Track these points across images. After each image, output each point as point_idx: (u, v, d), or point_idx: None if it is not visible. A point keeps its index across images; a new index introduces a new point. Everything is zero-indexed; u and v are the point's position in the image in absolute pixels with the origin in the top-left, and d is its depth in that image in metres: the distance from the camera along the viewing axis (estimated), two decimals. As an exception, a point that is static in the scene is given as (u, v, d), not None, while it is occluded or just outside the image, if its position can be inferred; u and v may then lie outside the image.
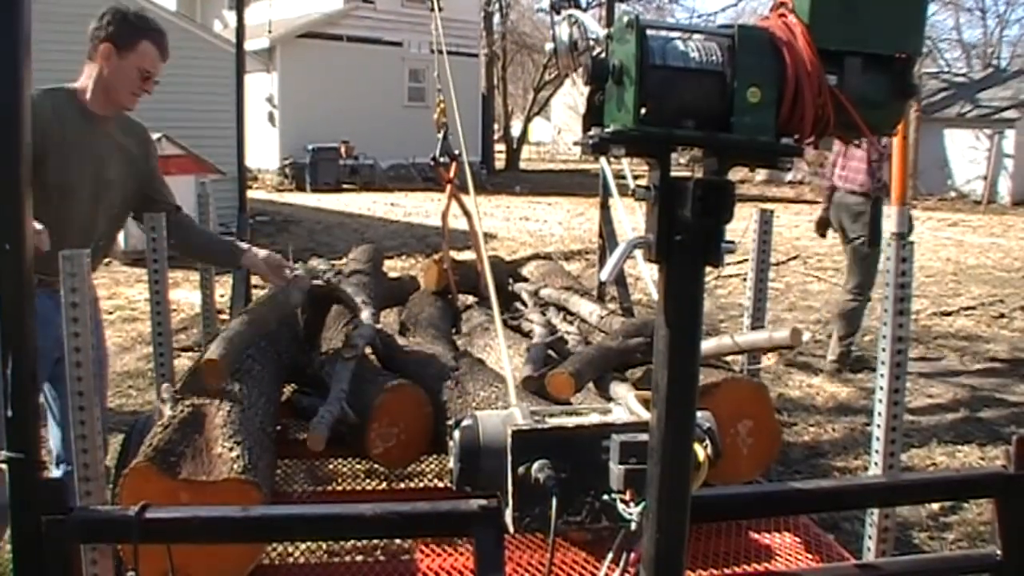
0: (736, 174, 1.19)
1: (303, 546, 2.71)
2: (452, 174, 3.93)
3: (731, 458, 2.44)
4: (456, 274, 4.17)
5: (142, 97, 2.96)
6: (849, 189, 6.16)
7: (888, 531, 2.37)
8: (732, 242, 1.16)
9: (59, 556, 1.49)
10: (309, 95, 21.16)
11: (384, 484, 3.22)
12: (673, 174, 1.16)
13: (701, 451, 1.39)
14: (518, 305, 4.04)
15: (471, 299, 4.16)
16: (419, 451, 2.79)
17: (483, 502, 1.56)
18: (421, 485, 3.24)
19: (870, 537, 2.42)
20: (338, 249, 9.26)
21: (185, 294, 8.05)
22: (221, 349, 2.57)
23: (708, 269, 1.18)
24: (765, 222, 3.15)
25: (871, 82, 1.17)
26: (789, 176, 23.85)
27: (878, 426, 2.40)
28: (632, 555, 1.47)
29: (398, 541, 2.61)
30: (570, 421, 1.49)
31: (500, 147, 30.84)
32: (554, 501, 1.39)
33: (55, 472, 2.91)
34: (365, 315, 3.25)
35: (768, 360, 6.05)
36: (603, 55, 1.15)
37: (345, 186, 20.43)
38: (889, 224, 2.51)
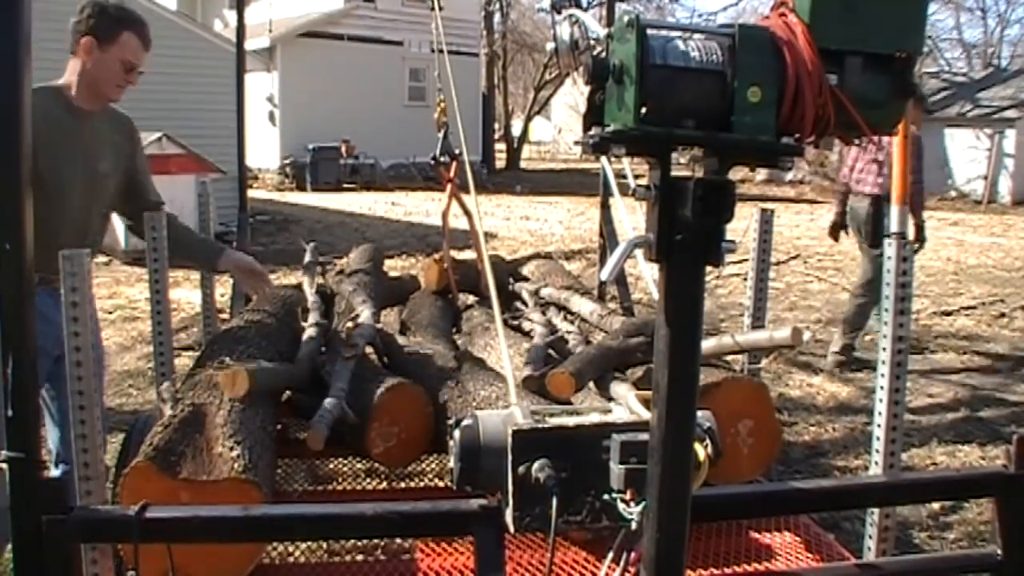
0: (736, 173, 1.19)
1: (303, 546, 2.71)
2: (453, 173, 3.93)
3: (731, 458, 2.43)
4: (456, 273, 4.17)
5: (127, 88, 2.93)
6: (869, 192, 6.20)
7: (888, 531, 2.37)
8: (732, 241, 1.16)
9: (59, 556, 1.49)
10: (310, 94, 21.15)
11: (384, 484, 3.22)
12: (674, 174, 1.16)
13: (701, 451, 1.39)
14: (518, 304, 4.04)
15: (471, 298, 4.16)
16: (419, 450, 2.79)
17: (483, 502, 1.56)
18: (421, 485, 3.24)
19: (870, 537, 2.42)
20: (339, 248, 9.26)
21: (185, 293, 8.05)
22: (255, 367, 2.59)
23: (708, 268, 1.18)
24: (766, 221, 3.15)
25: (871, 81, 1.17)
26: (790, 176, 23.84)
27: (878, 425, 2.40)
28: (632, 555, 1.47)
29: (398, 540, 2.61)
30: (570, 421, 1.49)
31: (501, 146, 30.84)
32: (554, 501, 1.39)
33: (54, 472, 2.90)
34: (365, 314, 3.25)
35: (767, 362, 6.05)
36: (604, 54, 1.15)
37: (346, 185, 20.43)
38: (889, 223, 2.50)
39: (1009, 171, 22.08)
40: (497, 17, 28.81)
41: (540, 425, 1.46)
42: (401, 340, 3.48)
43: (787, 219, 15.50)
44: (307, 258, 4.32)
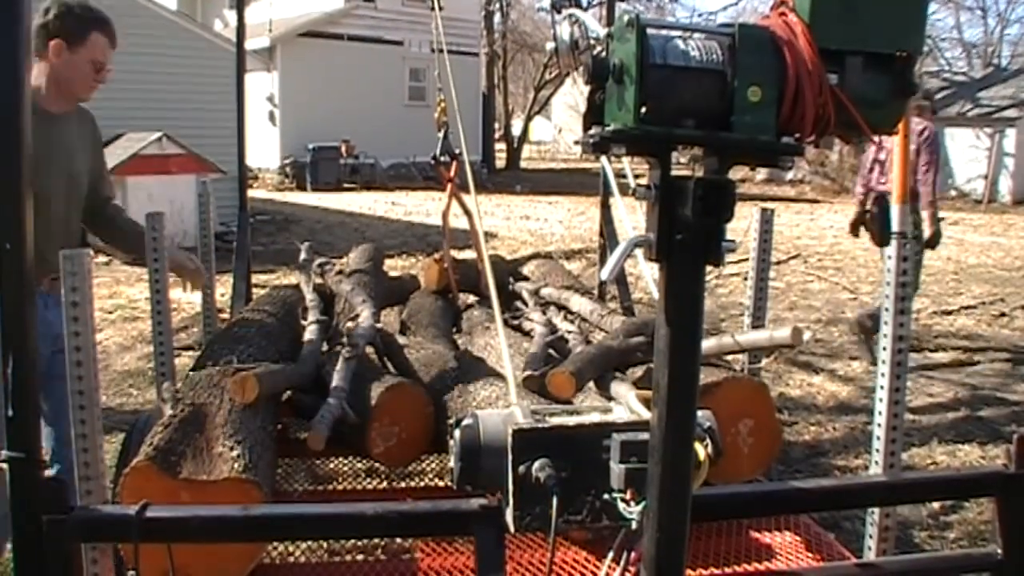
0: (737, 173, 1.19)
1: (303, 545, 2.71)
2: (453, 173, 3.93)
3: (732, 457, 2.43)
4: (457, 273, 4.17)
5: (99, 87, 2.92)
6: (890, 190, 6.11)
7: (889, 530, 2.37)
8: (733, 241, 1.16)
9: (60, 555, 1.49)
10: (310, 94, 21.15)
11: (385, 483, 3.22)
12: (674, 173, 1.16)
13: (702, 450, 1.38)
14: (519, 304, 4.04)
15: (472, 298, 4.16)
16: (420, 450, 2.79)
17: (484, 501, 1.56)
18: (422, 484, 3.24)
19: (871, 536, 2.42)
20: (339, 248, 9.26)
21: (185, 293, 8.04)
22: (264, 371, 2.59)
23: (709, 268, 1.18)
24: (766, 221, 3.15)
25: (872, 81, 1.17)
26: (790, 175, 23.85)
27: (879, 425, 2.40)
28: (633, 554, 1.47)
29: (399, 540, 2.61)
30: (571, 420, 1.49)
31: (501, 146, 30.84)
32: (555, 500, 1.39)
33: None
34: (365, 314, 3.25)
35: (767, 361, 6.05)
36: (604, 54, 1.15)
37: (346, 185, 20.43)
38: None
39: (1009, 170, 22.08)
40: (497, 17, 28.81)
41: (540, 425, 1.46)
42: (401, 340, 3.48)
43: (787, 219, 15.50)
44: (302, 257, 4.32)
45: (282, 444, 2.84)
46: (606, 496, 1.40)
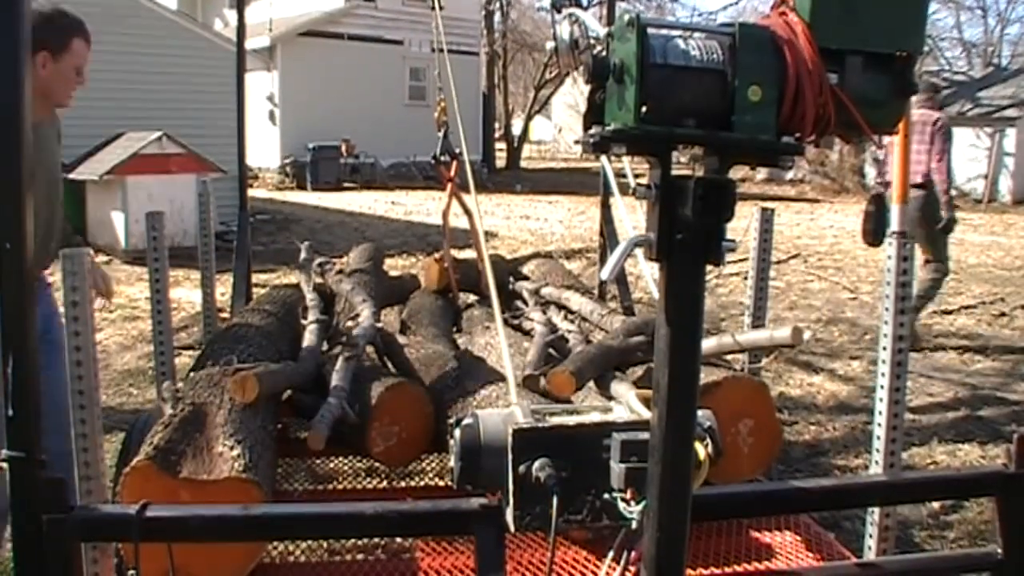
0: (737, 172, 1.19)
1: (303, 545, 2.71)
2: (453, 173, 3.93)
3: (732, 457, 2.44)
4: (457, 273, 4.17)
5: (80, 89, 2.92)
6: (912, 182, 6.25)
7: (889, 530, 2.37)
8: (733, 241, 1.16)
9: (60, 555, 1.49)
10: (310, 94, 21.14)
11: (385, 483, 3.22)
12: (674, 173, 1.16)
13: (702, 450, 1.38)
14: (519, 304, 4.04)
15: (472, 297, 4.16)
16: (420, 450, 2.79)
17: (484, 501, 1.56)
18: (422, 484, 3.24)
19: (871, 536, 2.42)
20: (339, 248, 9.26)
21: (186, 292, 8.05)
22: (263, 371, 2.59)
23: (709, 268, 1.18)
24: (766, 221, 3.15)
25: (872, 81, 1.17)
26: (790, 175, 23.84)
27: (879, 425, 2.41)
28: (633, 554, 1.47)
29: (399, 540, 2.61)
30: (571, 420, 1.49)
31: (501, 146, 30.82)
32: (555, 500, 1.39)
33: None
34: (365, 314, 3.25)
35: (767, 361, 6.05)
36: (604, 54, 1.15)
37: (346, 185, 20.42)
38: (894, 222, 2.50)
39: (1009, 170, 22.06)
40: (497, 16, 28.79)
41: (540, 424, 1.46)
42: (401, 339, 3.49)
43: (787, 218, 15.49)
44: (302, 256, 4.32)
45: (282, 444, 2.84)
46: (606, 496, 1.40)
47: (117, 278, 9.01)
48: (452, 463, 1.51)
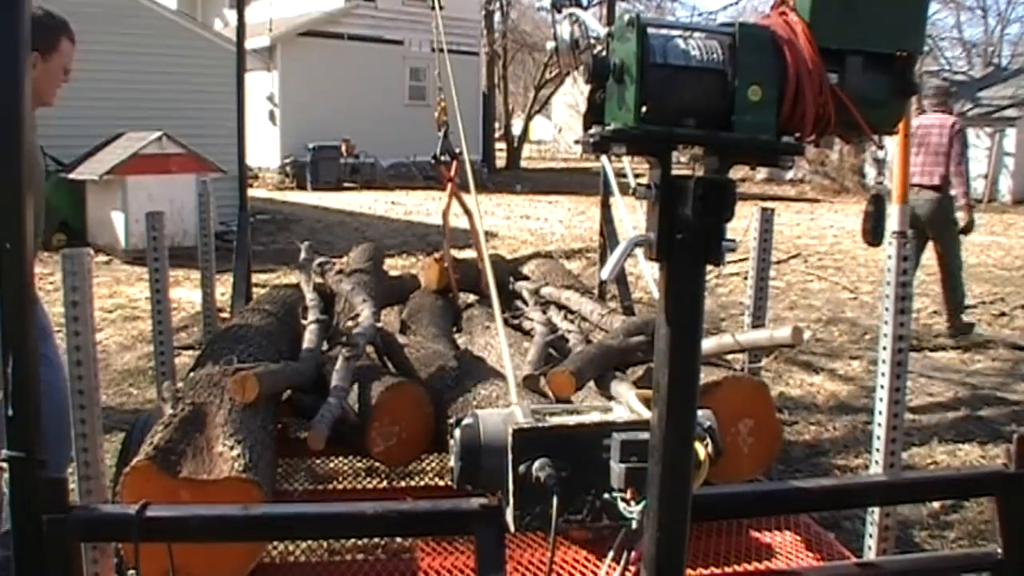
0: (737, 172, 1.19)
1: (303, 545, 2.71)
2: (453, 172, 3.93)
3: (732, 457, 2.44)
4: (457, 272, 4.17)
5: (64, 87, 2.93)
6: (929, 184, 6.67)
7: (889, 530, 2.37)
8: (733, 240, 1.16)
9: (60, 555, 1.49)
10: (310, 94, 21.14)
11: (385, 483, 3.22)
12: (674, 172, 1.16)
13: (702, 450, 1.38)
14: (519, 303, 4.04)
15: (472, 297, 4.16)
16: (420, 449, 2.79)
17: (484, 501, 1.56)
18: (422, 484, 3.24)
19: (871, 536, 2.42)
20: (339, 248, 9.26)
21: (186, 292, 8.05)
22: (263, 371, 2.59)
23: (709, 267, 1.18)
24: (766, 220, 3.15)
25: (872, 81, 1.17)
26: (790, 174, 23.83)
27: (879, 424, 2.41)
28: (633, 553, 1.47)
29: (399, 540, 2.61)
30: (571, 420, 1.49)
31: (501, 146, 30.82)
32: (555, 500, 1.39)
33: None
34: (365, 314, 3.25)
35: (767, 361, 6.05)
36: (604, 53, 1.15)
37: (346, 185, 20.42)
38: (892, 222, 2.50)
39: (1009, 170, 22.06)
40: (497, 16, 28.79)
41: (540, 424, 1.46)
42: (401, 339, 3.49)
43: (787, 218, 15.49)
44: (302, 256, 4.32)
45: (282, 444, 2.84)
46: (606, 495, 1.40)
47: (117, 278, 9.02)
48: (452, 463, 1.51)
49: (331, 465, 3.26)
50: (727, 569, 2.34)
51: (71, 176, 10.39)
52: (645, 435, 1.31)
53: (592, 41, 1.19)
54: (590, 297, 3.91)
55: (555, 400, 2.59)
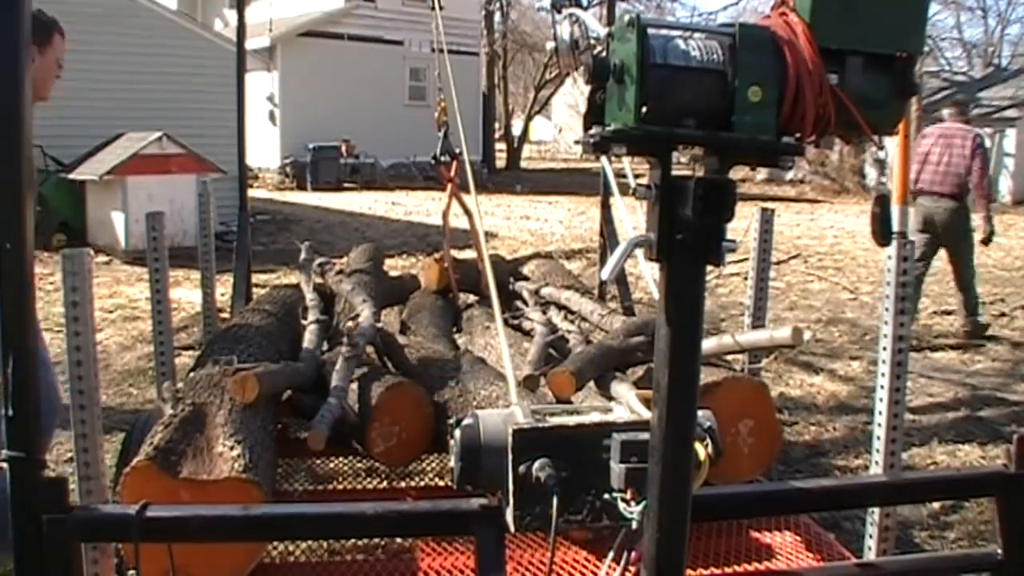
0: (737, 173, 1.19)
1: (303, 545, 2.71)
2: (453, 173, 3.93)
3: (732, 457, 2.44)
4: (457, 273, 4.17)
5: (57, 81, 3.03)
6: (948, 192, 6.81)
7: (889, 530, 2.37)
8: (733, 241, 1.16)
9: (60, 555, 1.49)
10: (310, 94, 21.14)
11: (385, 483, 3.22)
12: (674, 173, 1.16)
13: (702, 450, 1.38)
14: (519, 304, 4.04)
15: (472, 298, 4.16)
16: (420, 450, 2.79)
17: (484, 501, 1.56)
18: (422, 484, 3.24)
19: (871, 536, 2.42)
20: (339, 248, 9.26)
21: (186, 293, 8.05)
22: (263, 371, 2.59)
23: (709, 268, 1.18)
24: (766, 221, 3.15)
25: (872, 81, 1.17)
26: (790, 175, 23.83)
27: (879, 425, 2.41)
28: (633, 554, 1.47)
29: (399, 540, 2.61)
30: (571, 420, 1.49)
31: (501, 146, 30.82)
32: (555, 500, 1.39)
33: None
34: (365, 314, 3.25)
35: (767, 361, 6.05)
36: (604, 54, 1.15)
37: (346, 185, 20.42)
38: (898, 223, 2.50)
39: (1009, 171, 22.06)
40: (497, 16, 28.79)
41: (541, 424, 1.46)
42: (401, 339, 3.48)
43: (787, 218, 15.48)
44: (302, 256, 4.32)
45: (282, 444, 2.84)
46: (606, 496, 1.40)
47: (117, 278, 9.02)
48: (452, 463, 1.51)
49: (331, 465, 3.26)
50: (727, 569, 2.34)
51: (71, 176, 10.39)
52: (645, 435, 1.31)
53: (592, 41, 1.19)
54: (590, 297, 3.91)
55: (555, 400, 2.59)
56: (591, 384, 2.73)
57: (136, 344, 6.45)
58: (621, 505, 1.34)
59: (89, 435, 2.05)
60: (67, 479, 1.59)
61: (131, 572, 1.66)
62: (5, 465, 1.44)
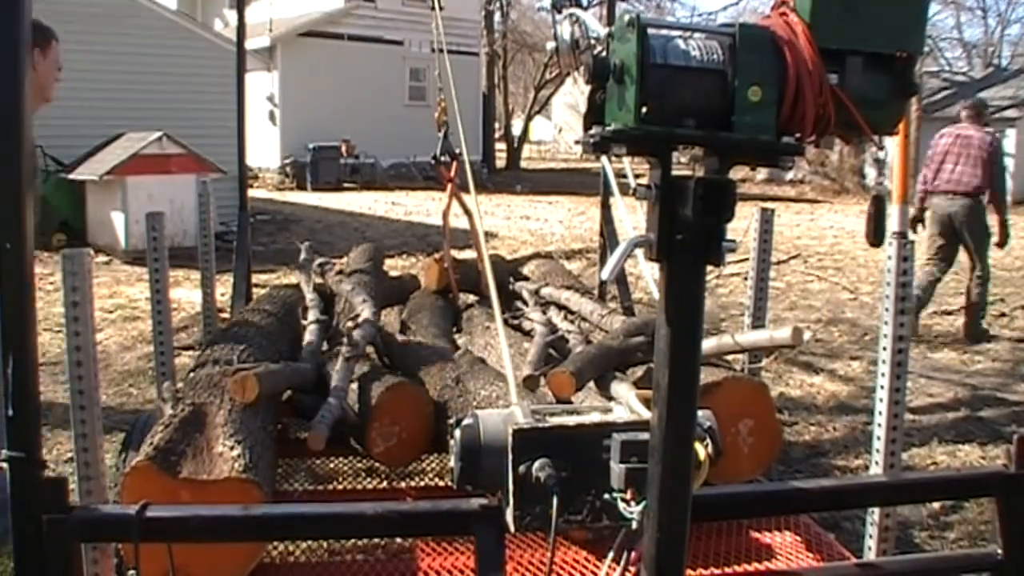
0: (737, 173, 1.19)
1: (303, 545, 2.71)
2: (453, 173, 3.93)
3: (732, 457, 2.44)
4: (457, 273, 4.17)
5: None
6: (963, 191, 6.91)
7: (889, 530, 2.37)
8: (733, 241, 1.16)
9: (60, 555, 1.49)
10: (310, 94, 21.14)
11: (385, 483, 3.22)
12: (674, 173, 1.16)
13: (702, 450, 1.38)
14: (519, 304, 4.04)
15: (472, 298, 4.16)
16: (420, 450, 2.79)
17: (484, 501, 1.56)
18: (422, 484, 3.24)
19: (871, 536, 2.42)
20: (339, 248, 9.25)
21: (186, 293, 8.05)
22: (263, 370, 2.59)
23: (709, 268, 1.18)
24: (766, 221, 3.15)
25: (872, 81, 1.17)
26: (790, 175, 23.83)
27: (879, 425, 2.41)
28: (633, 554, 1.47)
29: (399, 540, 2.61)
30: (571, 420, 1.49)
31: (501, 146, 30.82)
32: (555, 500, 1.39)
33: None
34: (366, 314, 3.25)
35: (767, 361, 6.05)
36: (604, 54, 1.15)
37: (346, 185, 20.42)
38: (893, 223, 2.50)
39: (1009, 171, 22.02)
40: (497, 16, 28.78)
41: (541, 424, 1.46)
42: (402, 340, 3.49)
43: (787, 219, 15.48)
44: (302, 256, 4.32)
45: (282, 444, 2.84)
46: (606, 496, 1.40)
47: (117, 278, 9.02)
48: (452, 463, 1.51)
49: (331, 465, 3.26)
50: (727, 570, 2.34)
51: (71, 176, 10.39)
52: (645, 435, 1.31)
53: (592, 41, 1.19)
54: (590, 297, 3.91)
55: (555, 400, 2.59)
56: (591, 384, 2.73)
57: (136, 344, 6.45)
58: (621, 505, 1.34)
59: (89, 435, 2.05)
60: (67, 479, 1.59)
61: (131, 572, 1.66)
62: (5, 465, 1.44)
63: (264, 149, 20.38)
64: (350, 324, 3.20)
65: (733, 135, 1.12)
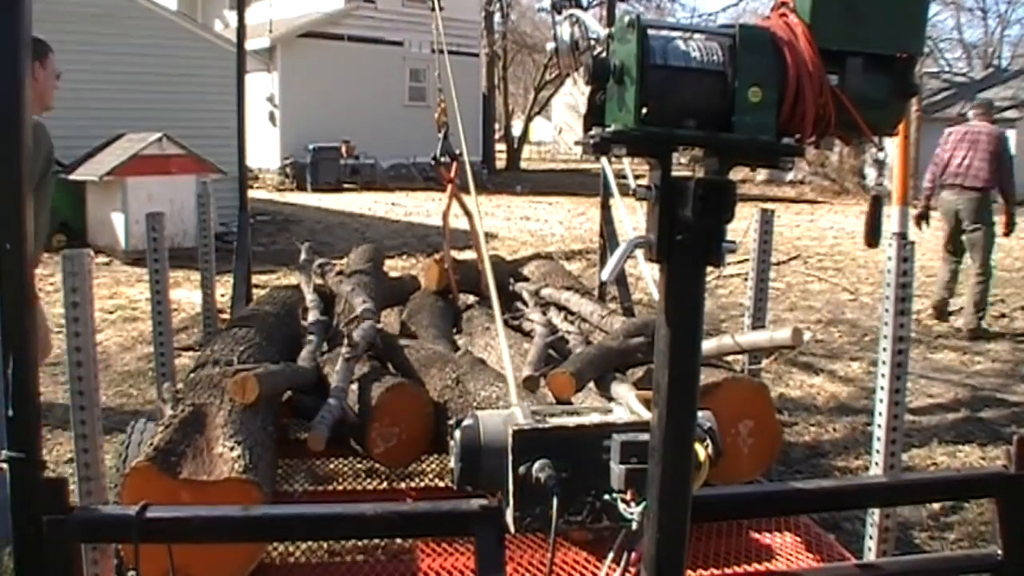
0: (737, 174, 1.19)
1: (304, 546, 2.71)
2: (453, 174, 3.93)
3: (732, 458, 2.44)
4: (457, 274, 4.17)
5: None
6: (970, 185, 7.16)
7: (889, 531, 2.37)
8: (733, 242, 1.16)
9: (60, 556, 1.49)
10: (310, 95, 21.15)
11: (385, 484, 3.22)
12: (674, 174, 1.16)
13: (702, 451, 1.38)
14: (519, 305, 4.04)
15: (472, 299, 4.16)
16: (420, 450, 2.79)
17: (484, 502, 1.56)
18: (422, 485, 3.24)
19: (871, 537, 2.42)
20: (339, 249, 9.25)
21: (186, 293, 8.05)
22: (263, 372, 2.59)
23: (709, 269, 1.18)
24: (766, 222, 3.16)
25: (872, 82, 1.17)
26: (790, 176, 23.83)
27: (879, 426, 2.41)
28: (633, 555, 1.47)
29: (399, 541, 2.61)
30: (571, 421, 1.49)
31: (501, 147, 30.82)
32: (555, 501, 1.39)
33: None
34: (366, 315, 3.25)
35: (767, 362, 6.05)
36: (604, 55, 1.15)
37: (346, 186, 20.42)
38: (893, 224, 2.50)
39: (1010, 171, 22.03)
40: (497, 17, 28.79)
41: (541, 425, 1.46)
42: (401, 340, 3.49)
43: (787, 219, 15.48)
44: (303, 257, 4.32)
45: (282, 444, 2.84)
46: (606, 496, 1.40)
47: (117, 279, 9.02)
48: (452, 464, 1.51)
49: (331, 466, 3.26)
50: (727, 570, 2.34)
51: (71, 177, 10.38)
52: (645, 436, 1.31)
53: (592, 42, 1.19)
54: (590, 298, 3.91)
55: (555, 401, 2.59)
56: (591, 385, 2.73)
57: (136, 345, 6.45)
58: (621, 506, 1.34)
59: (89, 436, 2.05)
60: (67, 479, 1.59)
61: (131, 573, 1.66)
62: (5, 466, 1.44)
63: (264, 150, 20.38)
64: (350, 324, 3.20)
65: (733, 136, 1.12)
